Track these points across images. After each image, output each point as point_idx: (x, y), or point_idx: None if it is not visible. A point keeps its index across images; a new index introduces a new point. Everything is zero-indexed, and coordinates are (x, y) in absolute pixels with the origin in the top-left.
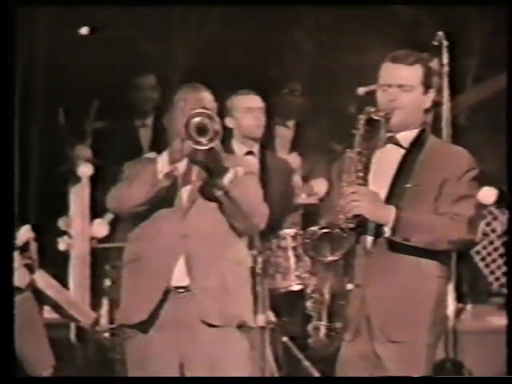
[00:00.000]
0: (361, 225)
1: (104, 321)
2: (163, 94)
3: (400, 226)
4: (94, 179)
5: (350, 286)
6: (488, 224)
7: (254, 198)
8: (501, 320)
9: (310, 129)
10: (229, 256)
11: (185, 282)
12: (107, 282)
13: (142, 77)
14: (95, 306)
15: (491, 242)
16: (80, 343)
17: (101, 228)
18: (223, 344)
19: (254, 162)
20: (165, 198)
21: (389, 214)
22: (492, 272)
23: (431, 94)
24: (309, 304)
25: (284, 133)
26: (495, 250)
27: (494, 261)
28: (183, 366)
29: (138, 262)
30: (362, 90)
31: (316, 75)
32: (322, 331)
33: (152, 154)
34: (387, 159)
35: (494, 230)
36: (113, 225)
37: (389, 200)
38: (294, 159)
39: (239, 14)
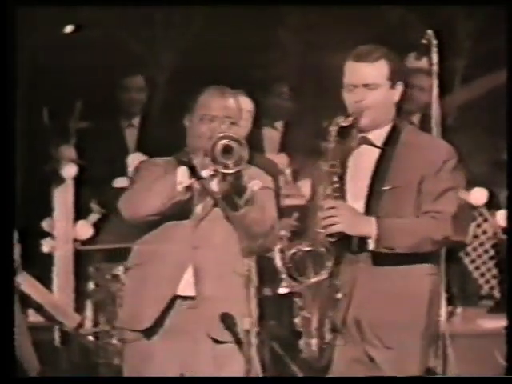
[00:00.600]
0: (343, 238)
1: (88, 324)
2: (150, 95)
3: (383, 237)
4: (78, 180)
5: (338, 295)
6: (478, 226)
7: (268, 220)
8: (491, 323)
9: (298, 129)
10: (237, 270)
11: (191, 292)
12: (91, 285)
13: (130, 77)
14: (79, 308)
15: (481, 244)
16: (64, 346)
17: (84, 229)
18: (223, 359)
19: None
20: (181, 211)
21: (370, 227)
22: (482, 274)
23: (399, 87)
24: (298, 321)
25: (272, 134)
26: (485, 252)
27: (484, 263)
28: (183, 375)
29: (145, 266)
30: None
31: (303, 75)
32: (314, 346)
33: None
34: (363, 161)
35: (484, 232)
36: (97, 226)
37: (368, 204)
38: (282, 160)
39: (225, 13)
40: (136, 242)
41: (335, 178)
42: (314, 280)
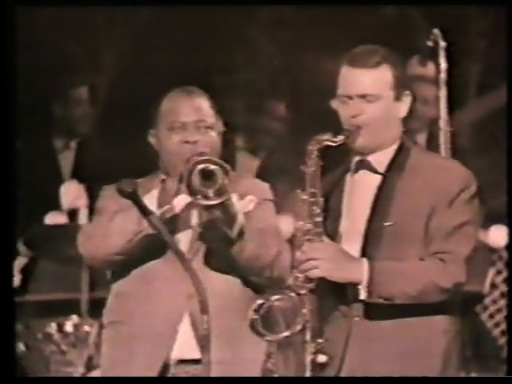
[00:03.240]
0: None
1: None
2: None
3: (377, 284)
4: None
5: (322, 359)
6: (498, 272)
7: (271, 247)
8: None
9: (279, 153)
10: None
11: (195, 354)
12: (20, 346)
13: (72, 89)
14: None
15: (502, 295)
16: None
17: None
18: None
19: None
20: (153, 246)
21: (359, 271)
22: (503, 333)
23: (407, 99)
24: None
25: (246, 159)
26: (507, 305)
27: (505, 319)
28: None
29: (126, 325)
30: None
31: (283, 85)
32: None
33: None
34: (361, 190)
35: (505, 280)
36: (25, 273)
37: (366, 243)
38: None
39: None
40: (111, 288)
41: (316, 210)
42: (284, 334)
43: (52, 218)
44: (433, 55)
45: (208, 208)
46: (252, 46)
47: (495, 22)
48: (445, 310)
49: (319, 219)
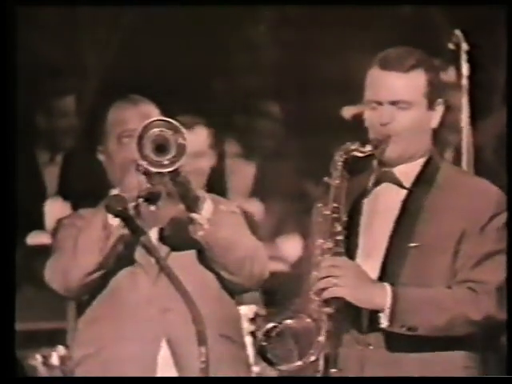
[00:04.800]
0: (349, 309)
1: None
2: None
3: (400, 311)
4: None
5: None
6: None
7: (247, 238)
8: None
9: (277, 165)
10: (225, 332)
11: (172, 372)
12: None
13: (57, 99)
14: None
15: None
16: None
17: None
18: None
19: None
20: (123, 254)
21: (382, 296)
22: None
23: (439, 108)
24: None
25: (240, 171)
26: None
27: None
28: None
29: (100, 355)
30: (348, 111)
31: (286, 89)
32: None
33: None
34: (383, 205)
35: None
36: None
37: (386, 265)
38: (255, 207)
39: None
40: (80, 319)
41: (338, 228)
42: (297, 364)
43: (35, 239)
44: (454, 59)
45: (161, 178)
46: (253, 47)
47: None
48: (465, 345)
49: (340, 237)
